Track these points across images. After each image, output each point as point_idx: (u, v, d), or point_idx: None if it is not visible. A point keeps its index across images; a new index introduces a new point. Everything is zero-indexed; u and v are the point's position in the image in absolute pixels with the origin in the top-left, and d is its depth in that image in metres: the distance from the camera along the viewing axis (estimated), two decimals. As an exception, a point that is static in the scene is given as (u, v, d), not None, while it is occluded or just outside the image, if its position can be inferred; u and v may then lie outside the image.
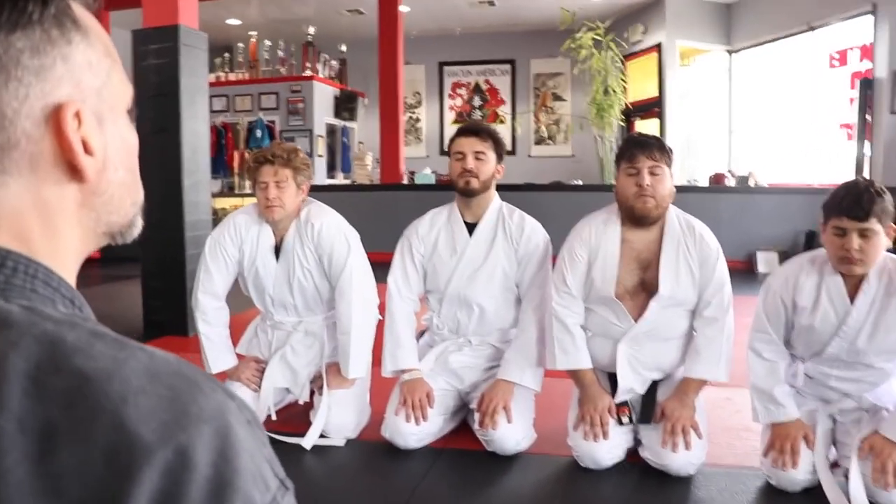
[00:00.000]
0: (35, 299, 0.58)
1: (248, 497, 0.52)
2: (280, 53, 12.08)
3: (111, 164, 0.65)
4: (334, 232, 3.22)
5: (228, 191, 11.36)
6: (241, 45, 12.36)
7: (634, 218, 2.85)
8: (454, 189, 3.18)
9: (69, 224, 0.64)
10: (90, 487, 0.48)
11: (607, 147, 9.83)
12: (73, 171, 0.62)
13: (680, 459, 2.77)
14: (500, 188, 3.29)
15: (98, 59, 0.64)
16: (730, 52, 11.57)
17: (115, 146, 0.66)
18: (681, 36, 11.32)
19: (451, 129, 3.24)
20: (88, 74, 0.63)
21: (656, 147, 2.81)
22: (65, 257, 0.64)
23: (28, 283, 0.59)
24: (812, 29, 9.82)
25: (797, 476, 2.63)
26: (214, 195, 10.29)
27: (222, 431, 0.53)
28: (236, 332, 3.49)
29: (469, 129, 3.19)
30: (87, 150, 0.62)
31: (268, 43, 12.11)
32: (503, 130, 12.78)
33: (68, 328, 0.54)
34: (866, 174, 8.49)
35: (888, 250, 2.58)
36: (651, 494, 2.71)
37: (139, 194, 0.71)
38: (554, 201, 8.70)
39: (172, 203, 5.12)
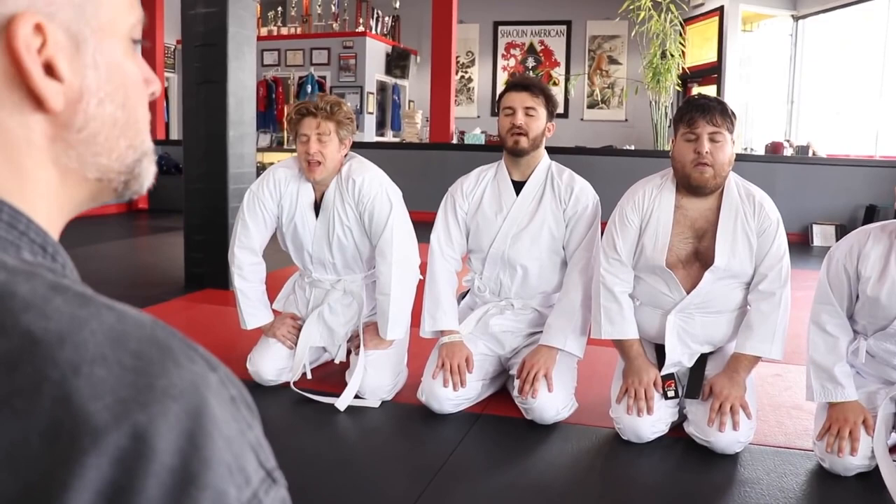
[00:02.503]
0: None
1: (219, 493, 0.42)
2: (333, 8, 12.02)
3: (92, 94, 0.55)
4: (376, 188, 3.13)
5: (278, 146, 11.37)
6: (294, -2, 12.29)
7: (690, 187, 2.71)
8: (502, 147, 3.07)
9: (38, 161, 0.54)
10: (21, 474, 0.39)
11: (662, 112, 9.64)
12: (37, 99, 0.52)
13: (726, 438, 2.65)
14: (551, 150, 3.18)
15: None
16: (795, 17, 11.19)
17: (99, 75, 0.56)
18: (745, 0, 10.97)
19: (505, 84, 3.17)
20: None
21: (718, 111, 2.64)
22: (34, 199, 0.54)
23: None
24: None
25: (853, 461, 2.50)
26: (263, 150, 10.32)
27: (195, 410, 0.43)
28: (274, 288, 3.46)
29: (520, 83, 3.06)
30: (52, 73, 0.52)
31: (321, -3, 12.03)
32: (556, 93, 12.51)
33: (24, 279, 0.45)
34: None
35: None
36: (694, 472, 2.62)
37: (140, 137, 0.61)
38: (605, 166, 8.58)
39: (217, 155, 5.09)
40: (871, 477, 2.48)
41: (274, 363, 3.22)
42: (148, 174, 0.63)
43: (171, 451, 0.41)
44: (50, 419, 0.40)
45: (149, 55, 11.43)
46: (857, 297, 2.59)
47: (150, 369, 0.43)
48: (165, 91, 12.35)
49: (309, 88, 11.49)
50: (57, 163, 0.56)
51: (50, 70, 0.52)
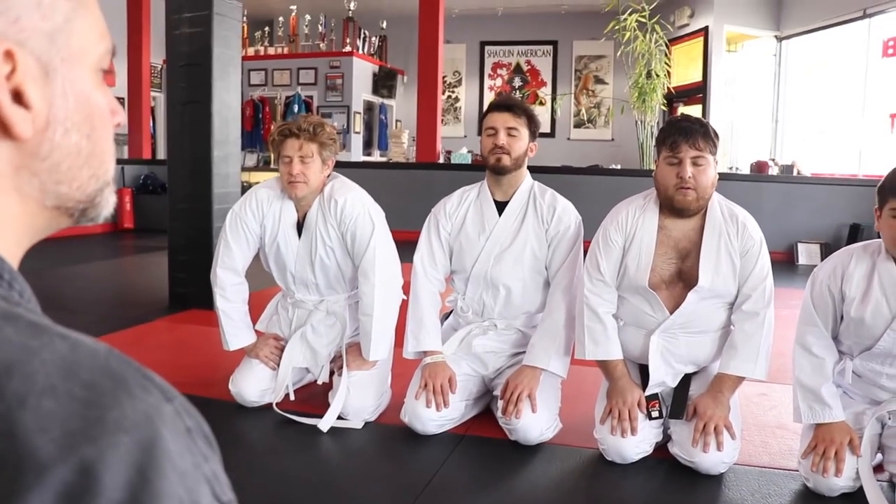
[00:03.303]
0: None
1: None
2: (320, 28, 12.05)
3: (59, 123, 0.55)
4: (358, 209, 3.13)
5: (264, 165, 11.34)
6: (281, 18, 12.32)
7: (673, 209, 2.71)
8: (485, 166, 3.07)
9: (2, 189, 0.54)
10: None
11: (648, 132, 9.68)
12: (4, 126, 0.52)
13: (711, 458, 2.64)
14: (536, 170, 3.18)
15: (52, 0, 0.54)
16: (779, 38, 11.30)
17: (66, 105, 0.56)
18: (729, 21, 11.12)
19: (489, 104, 3.19)
20: (35, 13, 0.53)
21: (701, 134, 2.63)
22: None
23: None
24: (867, 16, 9.51)
25: (838, 482, 2.49)
26: (250, 169, 10.30)
27: (146, 443, 0.42)
28: (257, 308, 3.43)
29: (502, 103, 3.07)
30: (20, 101, 0.52)
31: (308, 17, 12.07)
32: (543, 112, 12.66)
33: None
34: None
35: None
36: (679, 493, 2.60)
37: (104, 167, 0.60)
38: (591, 185, 8.62)
39: (201, 175, 5.07)
40: (855, 498, 2.47)
41: (257, 384, 3.20)
42: (108, 204, 0.62)
43: (120, 486, 0.40)
44: None
45: (135, 74, 11.43)
46: (842, 317, 2.59)
47: (102, 400, 0.42)
48: (152, 110, 12.32)
49: (296, 108, 11.51)
50: (20, 190, 0.55)
51: (18, 97, 0.52)
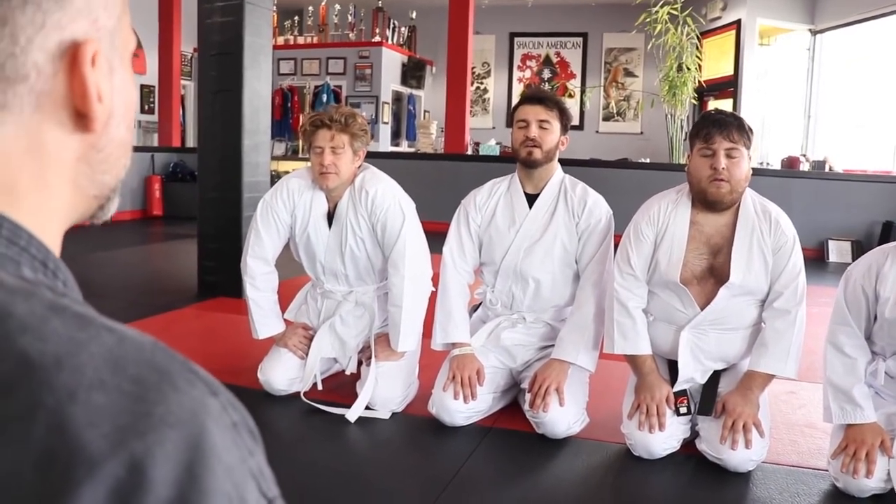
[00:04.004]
0: None
1: None
2: (350, 18, 12.07)
3: (116, 117, 0.58)
4: (389, 200, 3.14)
5: (292, 154, 11.41)
6: (311, 8, 12.35)
7: (706, 202, 2.69)
8: (516, 159, 3.07)
9: (63, 179, 0.55)
10: None
11: (678, 126, 9.61)
12: (80, 119, 0.54)
13: (739, 456, 2.63)
14: (564, 163, 3.17)
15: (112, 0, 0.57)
16: (813, 31, 11.18)
17: (120, 99, 0.59)
18: (762, 14, 11.02)
19: (520, 97, 3.19)
20: (104, 13, 0.55)
21: (735, 127, 2.63)
22: (49, 217, 0.55)
23: None
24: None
25: (868, 483, 2.47)
26: (278, 158, 10.35)
27: (194, 440, 0.41)
28: (286, 297, 3.46)
29: (534, 96, 3.06)
30: (98, 97, 0.54)
31: (338, 7, 12.09)
32: (572, 105, 12.60)
33: (22, 299, 0.44)
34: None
35: None
36: (706, 489, 2.60)
37: (128, 157, 0.63)
38: (620, 179, 8.57)
39: (231, 164, 5.10)
40: (886, 499, 2.46)
41: (285, 373, 3.22)
42: (116, 201, 0.65)
43: (169, 483, 0.40)
44: (44, 448, 0.39)
45: (165, 63, 11.50)
46: (875, 317, 2.56)
47: (149, 395, 0.42)
48: (182, 99, 12.41)
49: (325, 97, 11.54)
50: (75, 181, 0.57)
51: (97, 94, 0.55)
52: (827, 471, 2.63)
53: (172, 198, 10.30)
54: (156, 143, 11.60)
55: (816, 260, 8.21)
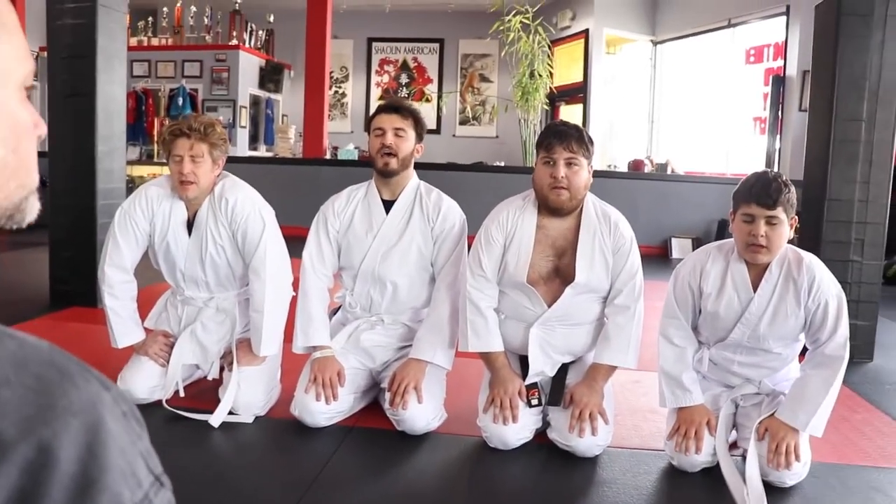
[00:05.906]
0: None
1: (116, 495, 0.50)
2: (206, 20, 11.78)
3: None
4: (249, 208, 3.17)
5: (147, 158, 11.06)
6: (165, 9, 11.99)
7: (549, 208, 2.87)
8: (373, 167, 3.16)
9: None
10: None
11: (531, 130, 9.87)
12: None
13: (586, 442, 2.81)
14: (422, 167, 3.28)
15: None
16: (654, 42, 11.75)
17: None
18: (608, 24, 11.47)
19: (377, 106, 3.23)
20: None
21: (575, 138, 2.80)
22: None
23: None
24: (731, 25, 10.10)
25: (698, 458, 2.72)
26: (132, 163, 10.02)
27: (92, 426, 0.50)
28: (145, 305, 3.41)
29: (390, 105, 3.16)
30: None
31: (193, 9, 11.80)
32: (429, 109, 12.79)
33: None
34: (776, 167, 8.75)
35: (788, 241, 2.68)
36: (557, 474, 2.75)
37: (29, 177, 0.65)
38: (476, 181, 8.76)
39: (85, 170, 4.94)
40: (714, 472, 2.71)
41: (146, 381, 3.19)
42: (33, 209, 0.67)
43: (73, 460, 0.48)
44: None
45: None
46: (700, 310, 2.82)
47: (51, 390, 0.50)
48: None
49: (180, 101, 11.25)
50: None
51: None
52: (664, 451, 2.85)
53: (18, 205, 9.76)
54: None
55: (660, 256, 8.64)
